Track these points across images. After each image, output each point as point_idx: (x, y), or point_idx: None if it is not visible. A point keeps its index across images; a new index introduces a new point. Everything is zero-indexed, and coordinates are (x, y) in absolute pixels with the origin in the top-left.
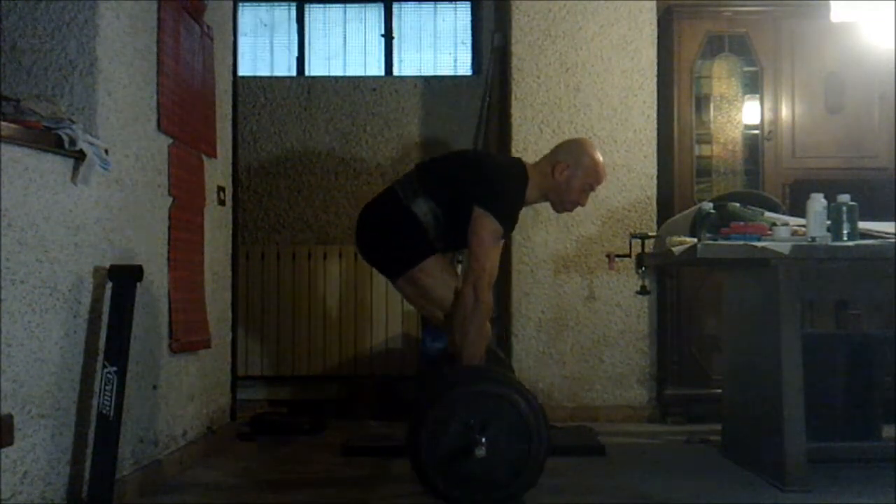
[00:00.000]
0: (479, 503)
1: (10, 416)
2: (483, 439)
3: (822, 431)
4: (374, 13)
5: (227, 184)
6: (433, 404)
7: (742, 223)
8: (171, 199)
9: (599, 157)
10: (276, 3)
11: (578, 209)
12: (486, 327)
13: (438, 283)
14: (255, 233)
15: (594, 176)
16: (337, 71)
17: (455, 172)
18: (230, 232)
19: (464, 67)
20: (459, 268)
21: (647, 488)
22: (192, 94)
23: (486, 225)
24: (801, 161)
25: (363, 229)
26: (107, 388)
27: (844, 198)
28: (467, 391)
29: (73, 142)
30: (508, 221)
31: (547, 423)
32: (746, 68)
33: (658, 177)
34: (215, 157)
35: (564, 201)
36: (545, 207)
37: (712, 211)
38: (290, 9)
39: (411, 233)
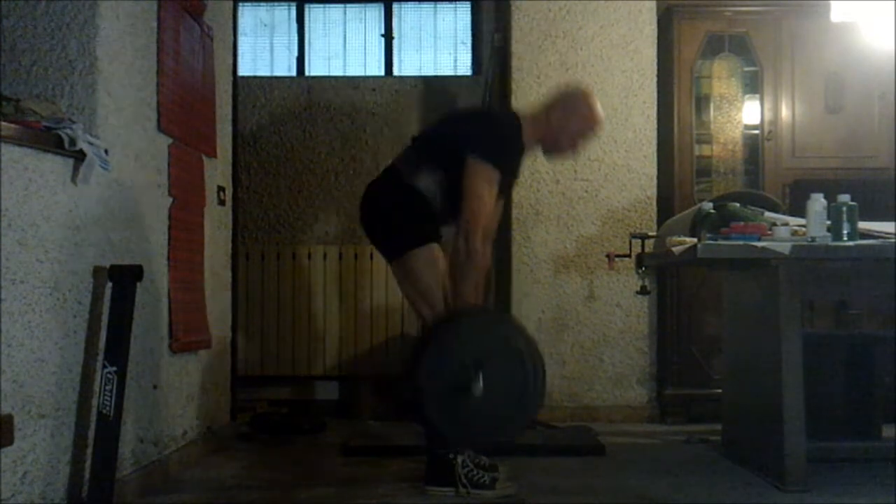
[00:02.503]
0: (481, 439)
1: (10, 416)
2: (480, 376)
3: (822, 431)
4: (374, 13)
5: (227, 184)
6: (429, 344)
7: (742, 223)
8: (171, 199)
9: (597, 105)
10: (276, 3)
11: (578, 209)
12: (480, 278)
13: (426, 272)
14: (255, 233)
15: (589, 121)
16: (337, 71)
17: (448, 131)
18: (230, 232)
19: (464, 67)
20: None
21: (646, 488)
22: (192, 94)
23: (477, 171)
24: (801, 161)
25: (366, 208)
26: (107, 388)
27: (844, 198)
28: (462, 329)
29: (73, 142)
30: (504, 165)
31: (541, 358)
32: (746, 68)
33: (658, 177)
34: (215, 157)
35: (556, 146)
36: (546, 207)
37: (712, 211)
38: (290, 9)
39: (415, 210)
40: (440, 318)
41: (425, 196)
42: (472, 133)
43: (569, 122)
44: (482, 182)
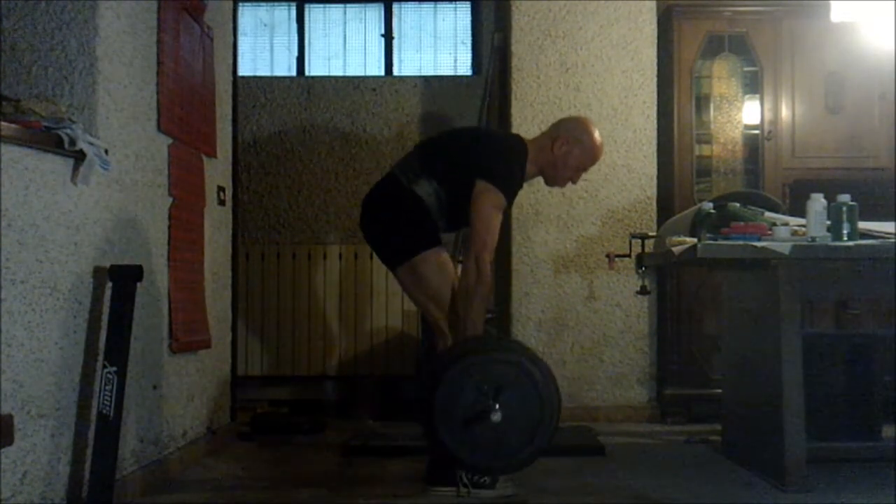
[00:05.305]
0: (494, 468)
1: (10, 416)
2: (497, 405)
3: (822, 431)
4: (374, 13)
5: (227, 184)
6: (446, 372)
7: (742, 223)
8: (171, 199)
9: (598, 137)
10: (276, 3)
11: (578, 209)
12: (488, 299)
13: (436, 275)
14: (255, 233)
15: (591, 155)
16: (337, 71)
17: (456, 148)
18: (230, 232)
19: (464, 67)
20: (460, 268)
21: (646, 488)
22: (192, 94)
23: (489, 198)
24: (801, 161)
25: (367, 216)
26: (107, 388)
27: (844, 198)
28: (480, 358)
29: (73, 142)
30: (511, 193)
31: (557, 389)
32: (746, 68)
33: (658, 177)
34: (215, 157)
35: (558, 177)
36: (546, 207)
37: (712, 211)
38: (290, 9)
39: (416, 216)
40: (457, 344)
41: (425, 202)
42: (485, 157)
43: (572, 153)
44: (493, 209)
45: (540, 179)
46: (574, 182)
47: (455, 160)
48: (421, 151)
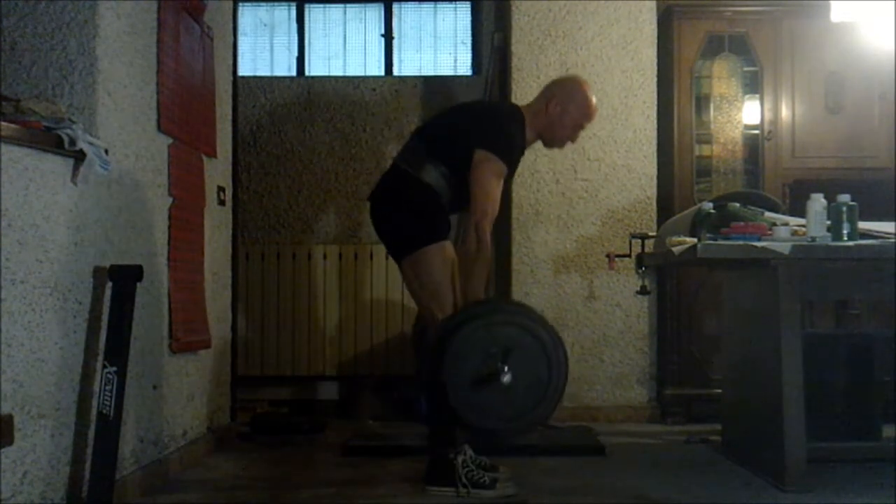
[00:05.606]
0: (503, 431)
1: (10, 416)
2: (506, 367)
3: (822, 431)
4: (374, 13)
5: (227, 184)
6: (454, 335)
7: (742, 223)
8: (171, 199)
9: (592, 94)
10: (276, 3)
11: (578, 209)
12: (488, 266)
13: (439, 271)
14: (255, 233)
15: (586, 110)
16: (337, 71)
17: (454, 125)
18: (230, 232)
19: (464, 67)
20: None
21: (647, 488)
22: (192, 94)
23: (488, 166)
24: (801, 161)
25: (376, 211)
26: (107, 388)
27: (844, 198)
28: (488, 321)
29: (73, 142)
30: (510, 160)
31: (565, 352)
32: (746, 68)
33: (658, 177)
34: (215, 157)
35: (557, 138)
36: (546, 207)
37: (712, 211)
38: (290, 9)
39: (425, 206)
40: (462, 308)
41: (434, 188)
42: (480, 126)
43: (567, 112)
44: (491, 176)
45: (543, 173)
46: (573, 141)
47: (454, 137)
48: (420, 136)
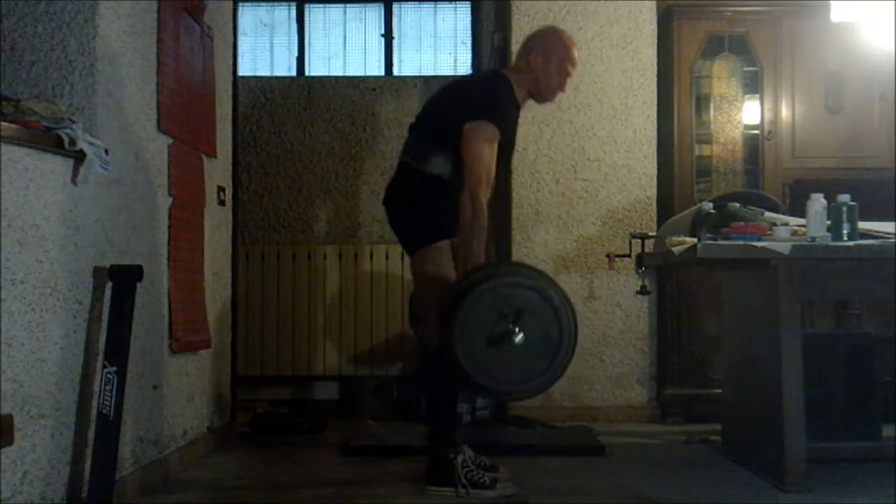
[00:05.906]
0: (514, 393)
1: (10, 416)
2: (518, 328)
3: (822, 431)
4: (374, 13)
5: (227, 184)
6: (465, 297)
7: (742, 223)
8: (171, 199)
9: (569, 38)
10: (276, 3)
11: (578, 209)
12: (484, 233)
13: (446, 266)
14: (255, 233)
15: (567, 55)
16: (337, 71)
17: (442, 105)
18: (230, 232)
19: (464, 67)
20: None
21: (646, 488)
22: (192, 94)
23: (478, 133)
24: (801, 161)
25: (390, 211)
26: (107, 388)
27: (844, 198)
28: (499, 282)
29: (73, 142)
30: (501, 123)
31: (574, 313)
32: (746, 68)
33: (658, 177)
34: (215, 157)
35: (545, 90)
36: (546, 207)
37: (712, 211)
38: (290, 9)
39: (435, 202)
40: (467, 273)
41: (441, 177)
42: (468, 98)
43: (549, 61)
44: (483, 142)
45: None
46: (563, 90)
47: (446, 117)
48: (419, 127)
